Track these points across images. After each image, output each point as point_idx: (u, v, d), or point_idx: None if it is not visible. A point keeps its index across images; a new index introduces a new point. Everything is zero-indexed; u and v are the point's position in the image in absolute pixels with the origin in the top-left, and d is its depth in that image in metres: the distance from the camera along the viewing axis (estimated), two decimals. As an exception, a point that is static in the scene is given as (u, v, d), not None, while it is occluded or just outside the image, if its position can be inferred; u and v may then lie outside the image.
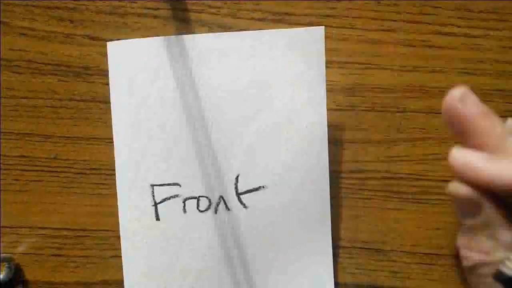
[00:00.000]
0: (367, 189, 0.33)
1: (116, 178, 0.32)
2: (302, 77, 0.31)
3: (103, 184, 0.33)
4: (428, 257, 0.33)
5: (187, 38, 0.31)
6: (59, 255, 0.33)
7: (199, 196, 0.31)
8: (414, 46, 0.33)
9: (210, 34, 0.31)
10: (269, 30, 0.31)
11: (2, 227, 0.33)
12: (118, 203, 0.32)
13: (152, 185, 0.31)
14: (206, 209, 0.31)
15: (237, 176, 0.31)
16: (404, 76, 0.33)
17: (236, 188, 0.31)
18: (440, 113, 0.33)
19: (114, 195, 0.33)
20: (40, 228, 0.33)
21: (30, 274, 0.33)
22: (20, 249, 0.33)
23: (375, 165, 0.33)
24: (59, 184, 0.33)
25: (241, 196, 0.31)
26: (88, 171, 0.33)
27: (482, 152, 0.22)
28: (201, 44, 0.31)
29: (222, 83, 0.31)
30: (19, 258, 0.33)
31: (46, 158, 0.33)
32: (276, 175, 0.31)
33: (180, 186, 0.31)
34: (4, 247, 0.33)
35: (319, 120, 0.31)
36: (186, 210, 0.31)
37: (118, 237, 0.33)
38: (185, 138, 0.31)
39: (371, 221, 0.33)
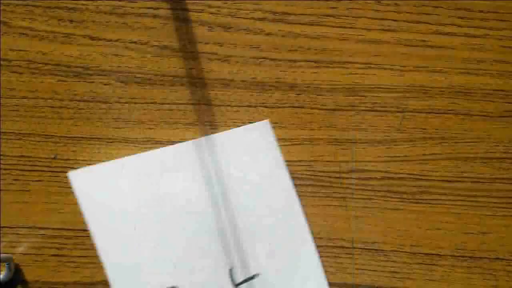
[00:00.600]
0: (367, 189, 0.33)
1: None
2: (264, 168, 0.32)
3: (103, 184, 0.33)
4: (428, 257, 0.33)
5: (133, 158, 0.32)
6: (59, 255, 0.33)
7: None
8: (415, 46, 0.33)
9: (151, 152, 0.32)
10: (217, 134, 0.32)
11: (2, 227, 0.33)
12: None
13: None
14: None
15: (231, 269, 0.31)
16: (404, 76, 0.33)
17: (232, 279, 0.32)
18: (440, 113, 0.33)
19: (114, 195, 0.33)
20: (40, 228, 0.33)
21: (30, 274, 0.33)
22: (20, 249, 0.33)
23: (375, 165, 0.33)
24: (59, 184, 0.33)
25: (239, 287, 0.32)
26: (88, 171, 0.33)
27: None
28: (143, 162, 0.32)
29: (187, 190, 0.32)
30: (19, 258, 0.33)
31: (46, 158, 0.33)
32: (266, 263, 0.32)
33: None
34: (4, 247, 0.33)
35: (295, 213, 0.32)
36: None
37: (118, 237, 0.33)
38: (174, 242, 0.31)
39: (371, 221, 0.33)
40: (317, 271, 0.32)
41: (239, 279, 0.32)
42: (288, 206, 0.32)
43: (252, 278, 0.31)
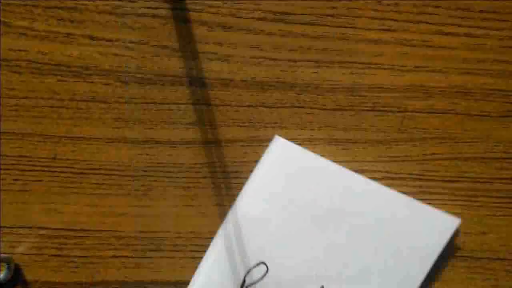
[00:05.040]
0: (367, 189, 0.33)
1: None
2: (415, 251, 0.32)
3: (103, 184, 0.33)
4: (429, 257, 0.33)
5: (347, 173, 0.32)
6: (59, 255, 0.33)
7: None
8: (415, 46, 0.33)
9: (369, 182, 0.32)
10: (411, 200, 0.32)
11: (2, 227, 0.33)
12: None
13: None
14: None
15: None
16: (404, 76, 0.33)
17: None
18: (441, 113, 0.33)
19: (114, 195, 0.33)
20: (40, 228, 0.33)
21: (30, 274, 0.33)
22: (20, 249, 0.33)
23: (375, 165, 0.33)
24: (59, 184, 0.33)
25: None
26: (88, 171, 0.33)
27: None
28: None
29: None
30: (19, 258, 0.33)
31: (46, 158, 0.33)
32: None
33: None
34: (3, 247, 0.33)
35: None
36: None
37: (118, 237, 0.33)
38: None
39: (372, 221, 0.33)
40: None
41: None
42: None
43: None
